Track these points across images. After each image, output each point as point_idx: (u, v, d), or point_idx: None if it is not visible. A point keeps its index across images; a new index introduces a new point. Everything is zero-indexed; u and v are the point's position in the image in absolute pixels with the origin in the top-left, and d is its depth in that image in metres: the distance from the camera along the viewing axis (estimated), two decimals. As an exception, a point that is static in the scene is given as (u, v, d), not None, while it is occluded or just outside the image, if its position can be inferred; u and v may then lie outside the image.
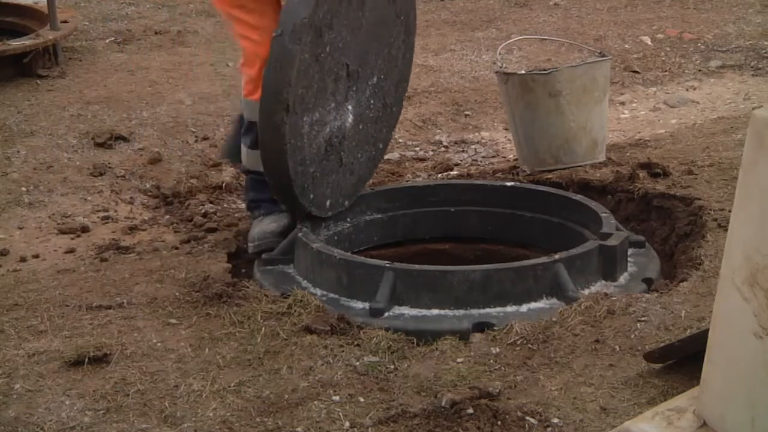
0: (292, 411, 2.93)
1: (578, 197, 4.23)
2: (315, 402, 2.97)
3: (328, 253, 3.72)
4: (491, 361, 3.18)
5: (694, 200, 4.26)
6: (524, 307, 3.52)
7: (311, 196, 3.92)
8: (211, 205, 4.77)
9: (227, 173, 5.07)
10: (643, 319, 3.31)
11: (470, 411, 2.83)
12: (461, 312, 3.49)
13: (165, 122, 5.58)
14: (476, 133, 5.71)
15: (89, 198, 4.77)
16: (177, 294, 3.67)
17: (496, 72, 4.93)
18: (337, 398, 2.99)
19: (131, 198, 4.83)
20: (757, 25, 7.46)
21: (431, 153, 5.47)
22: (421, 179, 5.02)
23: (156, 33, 7.38)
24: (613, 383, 2.99)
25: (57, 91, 6.07)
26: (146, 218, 4.63)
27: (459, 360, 3.20)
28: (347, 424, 2.86)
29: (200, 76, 6.43)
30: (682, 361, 3.00)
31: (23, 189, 4.79)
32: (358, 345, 3.30)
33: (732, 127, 5.28)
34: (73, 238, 4.39)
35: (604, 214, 3.96)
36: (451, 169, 5.17)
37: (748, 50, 6.93)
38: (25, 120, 5.55)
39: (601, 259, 3.71)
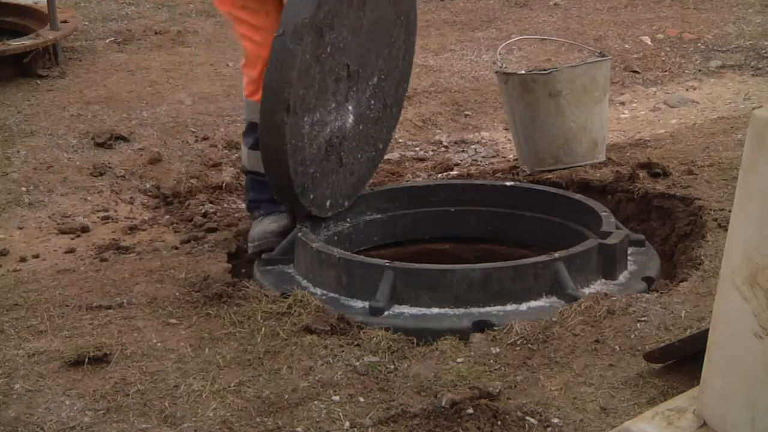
0: (292, 411, 2.93)
1: (578, 196, 4.23)
2: (315, 402, 2.97)
3: (328, 252, 3.72)
4: (491, 361, 3.18)
5: (694, 200, 4.26)
6: (524, 306, 3.52)
7: (311, 196, 3.92)
8: (211, 205, 4.77)
9: (227, 173, 5.07)
10: (643, 319, 3.31)
11: (470, 411, 2.83)
12: (461, 310, 3.50)
13: (165, 122, 5.58)
14: (476, 133, 5.72)
15: (89, 198, 4.77)
16: (177, 294, 3.67)
17: (496, 72, 4.93)
18: (337, 398, 2.99)
19: (131, 198, 4.83)
20: (757, 25, 7.46)
21: (431, 153, 5.47)
22: (421, 179, 5.02)
23: (156, 33, 7.38)
24: (613, 383, 2.99)
25: (57, 91, 6.07)
26: (146, 218, 4.63)
27: (459, 360, 3.20)
28: (347, 424, 2.86)
29: (200, 76, 6.43)
30: (682, 361, 3.00)
31: (23, 189, 4.79)
32: (358, 345, 3.30)
33: (732, 127, 5.29)
34: (73, 238, 4.39)
35: (603, 213, 3.96)
36: (451, 169, 5.17)
37: (748, 50, 6.93)
38: (25, 120, 5.56)
39: (600, 258, 3.71)
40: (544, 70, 4.83)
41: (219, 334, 3.37)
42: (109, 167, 5.04)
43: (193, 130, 5.51)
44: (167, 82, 6.28)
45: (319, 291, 3.69)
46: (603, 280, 3.71)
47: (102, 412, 2.94)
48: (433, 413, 2.84)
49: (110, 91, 6.05)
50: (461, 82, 6.44)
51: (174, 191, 4.88)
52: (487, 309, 3.50)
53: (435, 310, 3.51)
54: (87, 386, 3.07)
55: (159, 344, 3.32)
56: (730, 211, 2.78)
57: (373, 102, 4.12)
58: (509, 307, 3.51)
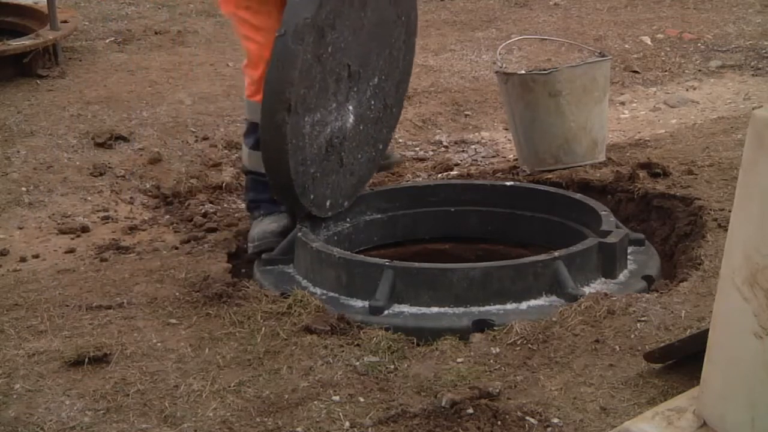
0: (292, 411, 2.93)
1: (578, 196, 4.23)
2: (315, 402, 2.97)
3: (328, 252, 3.72)
4: (491, 361, 3.18)
5: (694, 200, 4.26)
6: (524, 305, 3.52)
7: (311, 196, 3.92)
8: (211, 205, 4.77)
9: (227, 173, 5.07)
10: (643, 319, 3.31)
11: (470, 411, 2.83)
12: (461, 309, 3.50)
13: (165, 122, 5.58)
14: (476, 133, 5.72)
15: (89, 198, 4.77)
16: (177, 294, 3.67)
17: (496, 72, 4.93)
18: (337, 398, 2.99)
19: (131, 198, 4.83)
20: (757, 25, 7.46)
21: (431, 153, 5.47)
22: (421, 179, 5.02)
23: (156, 33, 7.38)
24: (613, 383, 2.99)
25: (57, 91, 6.07)
26: (146, 218, 4.63)
27: (459, 360, 3.20)
28: (347, 424, 2.86)
29: (200, 76, 6.43)
30: (682, 361, 3.00)
31: (23, 189, 4.79)
32: (358, 345, 3.30)
33: (732, 127, 5.29)
34: (73, 238, 4.39)
35: (603, 213, 3.97)
36: (451, 169, 5.17)
37: (748, 50, 6.93)
38: (25, 120, 5.56)
39: (600, 257, 3.71)
40: (544, 70, 4.83)
41: (219, 334, 3.38)
42: (109, 167, 5.04)
43: (193, 130, 5.51)
44: (167, 82, 6.28)
45: (318, 291, 3.69)
46: (603, 279, 3.71)
47: (102, 412, 2.95)
48: (433, 413, 2.84)
49: (110, 91, 6.05)
50: (461, 82, 6.44)
51: (174, 191, 4.88)
52: (487, 308, 3.50)
53: (435, 309, 3.52)
54: (87, 386, 3.08)
55: (159, 344, 3.32)
56: (730, 211, 2.78)
57: (373, 102, 4.12)
58: (509, 306, 3.51)
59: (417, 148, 5.53)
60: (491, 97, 6.09)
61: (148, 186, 4.94)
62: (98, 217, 4.60)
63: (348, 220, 4.20)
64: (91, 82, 6.24)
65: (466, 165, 5.25)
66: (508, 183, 4.50)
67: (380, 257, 3.89)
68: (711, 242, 3.90)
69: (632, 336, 3.22)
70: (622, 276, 3.75)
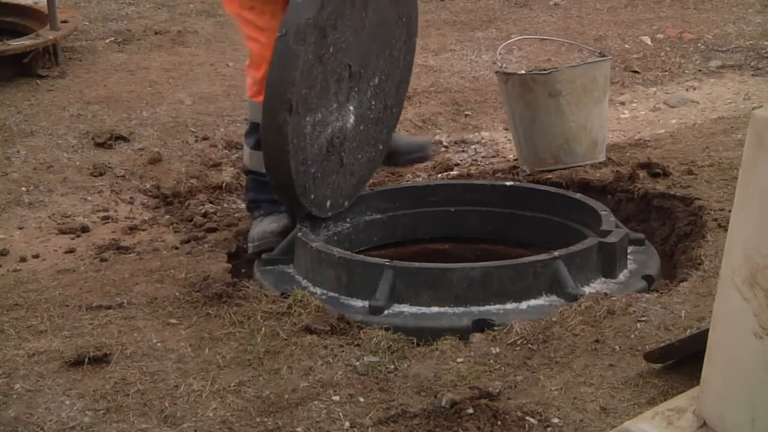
0: (292, 411, 2.93)
1: (578, 196, 4.23)
2: (315, 402, 2.97)
3: (328, 252, 3.72)
4: (491, 361, 3.18)
5: (694, 200, 4.26)
6: (524, 304, 3.52)
7: (312, 196, 3.92)
8: (211, 205, 4.77)
9: (227, 173, 5.07)
10: (643, 319, 3.31)
11: (470, 411, 2.83)
12: (461, 309, 3.50)
13: (165, 122, 5.58)
14: (476, 133, 5.72)
15: (89, 198, 4.77)
16: (177, 294, 3.67)
17: (496, 72, 4.93)
18: (337, 398, 2.99)
19: (131, 198, 4.83)
20: (757, 25, 7.46)
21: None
22: (421, 179, 5.03)
23: (156, 33, 7.38)
24: (613, 383, 2.99)
25: (57, 91, 6.07)
26: (146, 218, 4.63)
27: (459, 360, 3.20)
28: (347, 424, 2.86)
29: (200, 76, 6.43)
30: (682, 361, 3.00)
31: (23, 189, 4.79)
32: (358, 345, 3.30)
33: (732, 127, 5.29)
34: (73, 238, 4.39)
35: (603, 212, 3.97)
36: (451, 169, 5.17)
37: (748, 50, 6.93)
38: (25, 120, 5.56)
39: (600, 256, 3.71)
40: (544, 70, 4.83)
41: (219, 334, 3.37)
42: (109, 167, 5.04)
43: (193, 130, 5.51)
44: (167, 82, 6.28)
45: (318, 290, 3.69)
46: (603, 279, 3.71)
47: (102, 412, 2.95)
48: (433, 413, 2.84)
49: (110, 91, 6.05)
50: (461, 82, 6.44)
51: (174, 191, 4.88)
52: (487, 307, 3.50)
53: (435, 309, 3.52)
54: (87, 386, 3.08)
55: (159, 344, 3.32)
56: (730, 211, 2.78)
57: (373, 102, 4.12)
58: (509, 306, 3.51)
59: (417, 148, 5.52)
60: (491, 97, 6.09)
61: (148, 186, 4.94)
62: (98, 217, 4.60)
63: (348, 220, 4.20)
64: (91, 82, 6.24)
65: (466, 165, 5.25)
66: (508, 183, 4.50)
67: (380, 257, 3.89)
68: (711, 242, 3.90)
69: (632, 336, 3.22)
70: (622, 276, 3.75)
